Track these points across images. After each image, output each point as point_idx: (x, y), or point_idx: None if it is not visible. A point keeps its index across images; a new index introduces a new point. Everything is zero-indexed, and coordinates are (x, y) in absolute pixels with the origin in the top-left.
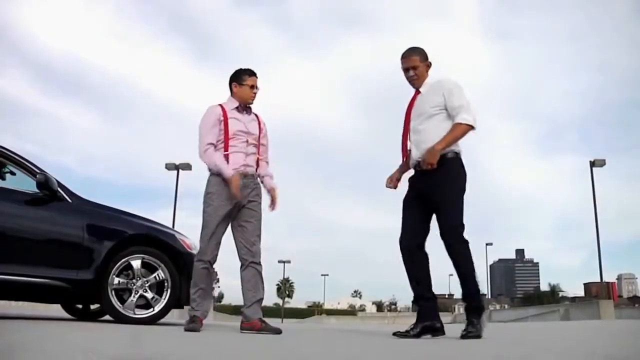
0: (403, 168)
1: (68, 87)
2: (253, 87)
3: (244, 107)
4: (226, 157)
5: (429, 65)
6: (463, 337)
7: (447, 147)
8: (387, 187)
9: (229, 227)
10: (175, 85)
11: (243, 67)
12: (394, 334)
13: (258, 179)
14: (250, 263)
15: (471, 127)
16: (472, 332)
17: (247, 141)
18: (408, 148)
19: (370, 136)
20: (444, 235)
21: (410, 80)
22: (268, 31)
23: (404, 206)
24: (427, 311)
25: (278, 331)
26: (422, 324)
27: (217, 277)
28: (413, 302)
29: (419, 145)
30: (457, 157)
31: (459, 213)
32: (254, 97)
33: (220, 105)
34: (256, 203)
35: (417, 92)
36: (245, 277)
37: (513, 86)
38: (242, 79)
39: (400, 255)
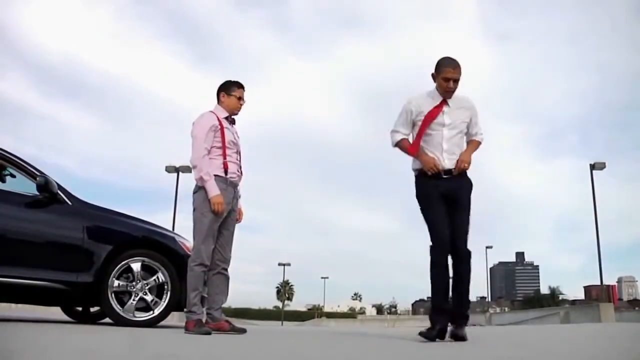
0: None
1: (68, 89)
2: (240, 98)
3: (231, 118)
4: (225, 164)
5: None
6: (458, 338)
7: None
8: (436, 169)
9: None
10: (176, 87)
11: (232, 79)
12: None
13: None
14: (222, 269)
15: (480, 145)
16: (464, 335)
17: (237, 152)
18: (426, 151)
19: (370, 138)
20: (459, 241)
21: (447, 91)
22: (268, 32)
23: (432, 202)
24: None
25: (243, 331)
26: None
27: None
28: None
29: (452, 156)
30: None
31: (469, 224)
32: (240, 108)
33: (213, 112)
34: (236, 213)
35: (444, 102)
36: (216, 281)
37: (512, 87)
38: (231, 89)
39: (433, 255)
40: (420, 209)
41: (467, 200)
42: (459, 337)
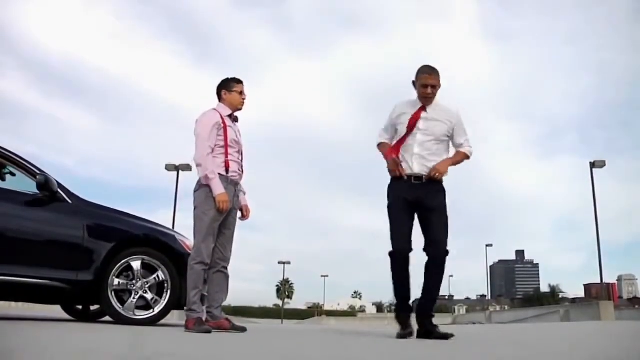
0: (392, 153)
1: (68, 88)
2: (242, 93)
3: (234, 116)
4: (226, 163)
5: (440, 87)
6: (442, 337)
7: (451, 165)
8: (399, 175)
9: None
10: (175, 86)
11: (230, 77)
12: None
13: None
14: (222, 267)
15: (468, 158)
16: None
17: (239, 151)
18: (401, 156)
19: (370, 137)
20: (433, 245)
21: (425, 96)
22: (268, 32)
23: (395, 210)
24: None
25: (244, 329)
26: (409, 328)
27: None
28: (396, 312)
29: (424, 163)
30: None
31: (447, 227)
32: (243, 103)
33: (216, 110)
34: (236, 211)
35: (423, 108)
36: (216, 280)
37: (512, 87)
38: (231, 86)
39: (392, 261)
40: (388, 214)
41: (438, 205)
42: (434, 336)
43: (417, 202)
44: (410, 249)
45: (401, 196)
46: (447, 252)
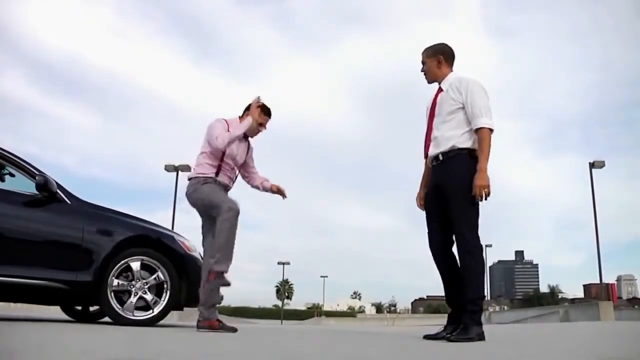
0: (425, 179)
1: (68, 87)
2: (262, 125)
3: (245, 136)
4: (218, 167)
5: (439, 61)
6: (449, 339)
7: (487, 159)
8: (419, 207)
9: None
10: (177, 85)
11: (266, 105)
12: (425, 337)
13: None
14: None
15: (492, 131)
16: (462, 336)
17: (233, 168)
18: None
19: (371, 136)
20: (456, 234)
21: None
22: (270, 29)
23: (425, 207)
24: (455, 315)
25: (234, 330)
26: (451, 326)
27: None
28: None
29: (438, 144)
30: (469, 152)
31: (469, 210)
32: (257, 133)
33: (226, 121)
34: None
35: (440, 90)
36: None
37: (514, 84)
38: (258, 112)
39: (432, 254)
40: None
41: (453, 189)
42: (460, 338)
43: (438, 188)
44: (442, 245)
45: (429, 190)
46: (466, 242)
